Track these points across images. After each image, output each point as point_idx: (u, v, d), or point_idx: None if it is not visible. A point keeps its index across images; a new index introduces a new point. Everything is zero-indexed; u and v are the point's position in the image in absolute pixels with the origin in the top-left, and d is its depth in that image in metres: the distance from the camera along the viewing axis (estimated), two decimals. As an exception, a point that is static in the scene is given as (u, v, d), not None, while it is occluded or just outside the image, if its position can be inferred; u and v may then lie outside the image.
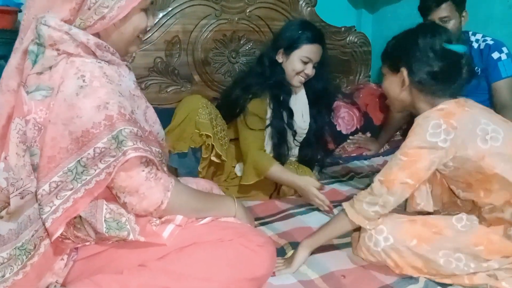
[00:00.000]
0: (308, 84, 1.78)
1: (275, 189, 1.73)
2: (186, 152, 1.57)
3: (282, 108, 1.69)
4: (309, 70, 1.67)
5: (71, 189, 0.92)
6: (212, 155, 1.57)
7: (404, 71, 1.15)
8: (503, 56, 1.86)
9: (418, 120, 1.11)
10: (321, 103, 1.83)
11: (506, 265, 1.09)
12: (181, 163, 1.59)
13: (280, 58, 1.70)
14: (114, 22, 0.95)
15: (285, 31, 1.75)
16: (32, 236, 0.95)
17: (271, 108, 1.68)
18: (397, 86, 1.19)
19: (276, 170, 1.57)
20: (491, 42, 1.89)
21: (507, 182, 1.06)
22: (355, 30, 2.60)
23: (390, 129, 2.29)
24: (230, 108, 1.69)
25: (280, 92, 1.69)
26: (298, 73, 1.68)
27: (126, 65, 1.07)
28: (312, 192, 1.52)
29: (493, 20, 2.04)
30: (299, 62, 1.66)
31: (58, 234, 0.93)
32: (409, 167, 1.09)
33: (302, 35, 1.67)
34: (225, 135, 1.65)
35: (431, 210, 1.22)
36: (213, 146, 1.55)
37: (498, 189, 1.09)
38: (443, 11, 1.79)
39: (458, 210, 1.20)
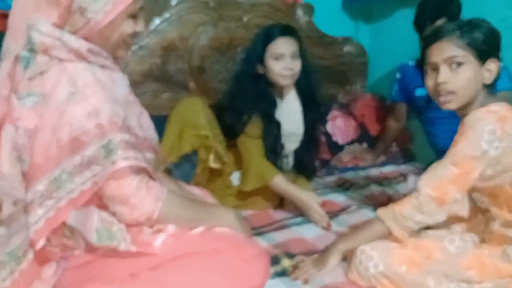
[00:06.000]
0: (297, 87, 1.74)
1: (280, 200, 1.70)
2: (184, 155, 1.55)
3: (270, 123, 1.66)
4: (288, 62, 1.61)
5: (55, 198, 0.90)
6: (211, 160, 1.54)
7: (493, 65, 1.05)
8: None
9: (470, 122, 1.04)
10: (312, 108, 1.79)
11: (502, 285, 1.06)
12: (177, 166, 1.56)
13: (260, 69, 1.67)
14: (100, 28, 0.94)
15: (250, 47, 1.74)
16: (22, 241, 0.93)
17: (263, 124, 1.66)
18: (478, 76, 1.06)
19: (279, 181, 1.57)
20: None
21: None
22: (352, 40, 2.60)
23: (386, 139, 2.29)
24: (228, 132, 1.67)
25: (264, 106, 1.66)
26: (279, 72, 1.62)
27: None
28: (313, 207, 1.53)
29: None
30: (275, 63, 1.62)
31: (40, 245, 0.91)
32: (461, 181, 1.03)
33: (264, 39, 1.65)
34: (223, 140, 1.63)
35: (465, 214, 1.15)
36: (210, 148, 1.53)
37: None
38: None
39: (471, 220, 1.17)
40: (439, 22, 1.79)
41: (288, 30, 1.67)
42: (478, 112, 1.05)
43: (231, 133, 1.66)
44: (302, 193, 1.58)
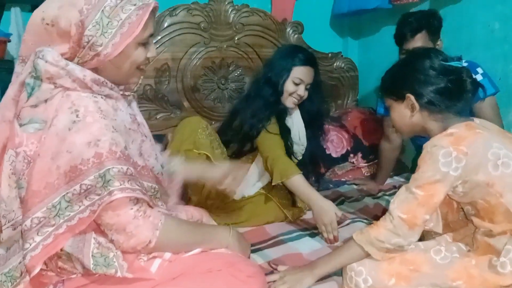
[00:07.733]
0: (302, 106, 1.81)
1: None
2: None
3: (282, 127, 1.71)
4: (301, 91, 1.71)
5: (53, 225, 0.90)
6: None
7: (411, 96, 1.14)
8: (478, 77, 1.82)
9: (427, 148, 1.09)
10: (315, 124, 1.86)
11: None
12: None
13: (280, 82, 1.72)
14: (110, 59, 0.95)
15: (277, 56, 1.80)
16: (20, 263, 0.94)
17: (279, 126, 1.70)
18: (406, 113, 1.18)
19: (300, 180, 1.51)
20: (464, 65, 1.87)
21: (511, 214, 1.05)
22: (342, 56, 2.65)
23: (386, 164, 2.12)
24: (244, 139, 1.69)
25: (280, 109, 1.72)
26: (290, 94, 1.71)
27: (132, 94, 1.07)
28: (330, 217, 1.45)
29: (475, 44, 2.08)
30: (291, 84, 1.70)
31: (36, 271, 0.91)
32: (427, 203, 1.07)
33: (294, 58, 1.72)
34: (226, 158, 1.64)
35: (440, 231, 1.20)
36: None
37: (501, 220, 1.08)
38: (417, 42, 1.81)
39: (462, 230, 1.20)
40: (419, 35, 1.81)
41: (314, 62, 1.76)
42: (434, 139, 1.10)
43: (246, 141, 1.68)
44: (323, 199, 1.49)
